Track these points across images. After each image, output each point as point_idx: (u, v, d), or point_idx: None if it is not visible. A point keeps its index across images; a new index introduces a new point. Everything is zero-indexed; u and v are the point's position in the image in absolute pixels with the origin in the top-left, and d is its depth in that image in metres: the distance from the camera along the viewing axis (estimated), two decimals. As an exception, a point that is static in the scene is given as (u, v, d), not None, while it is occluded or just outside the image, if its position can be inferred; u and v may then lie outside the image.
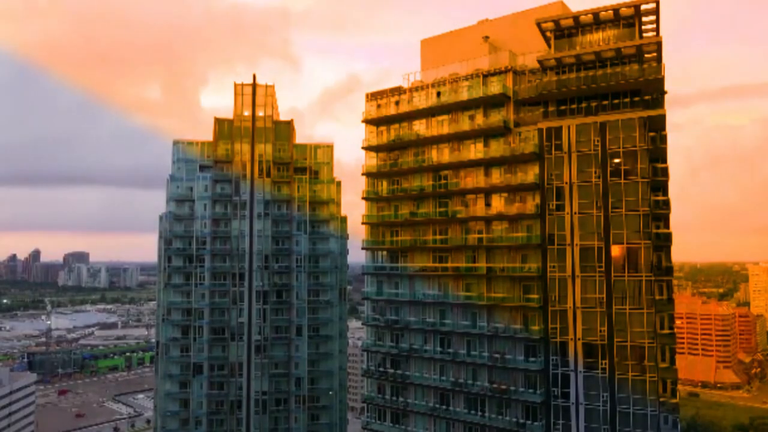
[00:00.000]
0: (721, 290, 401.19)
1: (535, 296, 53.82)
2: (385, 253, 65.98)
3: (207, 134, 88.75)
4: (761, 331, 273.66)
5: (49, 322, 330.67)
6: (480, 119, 58.59)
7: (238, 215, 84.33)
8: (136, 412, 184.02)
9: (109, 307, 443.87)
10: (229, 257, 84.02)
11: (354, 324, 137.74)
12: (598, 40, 53.34)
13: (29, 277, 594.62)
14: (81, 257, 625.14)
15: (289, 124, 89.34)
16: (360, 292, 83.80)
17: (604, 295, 50.00)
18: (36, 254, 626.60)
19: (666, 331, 48.92)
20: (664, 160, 51.05)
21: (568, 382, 51.02)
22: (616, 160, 51.35)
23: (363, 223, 67.24)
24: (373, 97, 66.27)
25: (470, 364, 57.44)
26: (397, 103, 64.37)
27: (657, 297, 48.85)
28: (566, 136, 53.05)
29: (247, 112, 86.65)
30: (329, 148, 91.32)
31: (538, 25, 54.14)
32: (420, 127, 63.24)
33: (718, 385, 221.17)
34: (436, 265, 61.13)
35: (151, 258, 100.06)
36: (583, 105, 52.87)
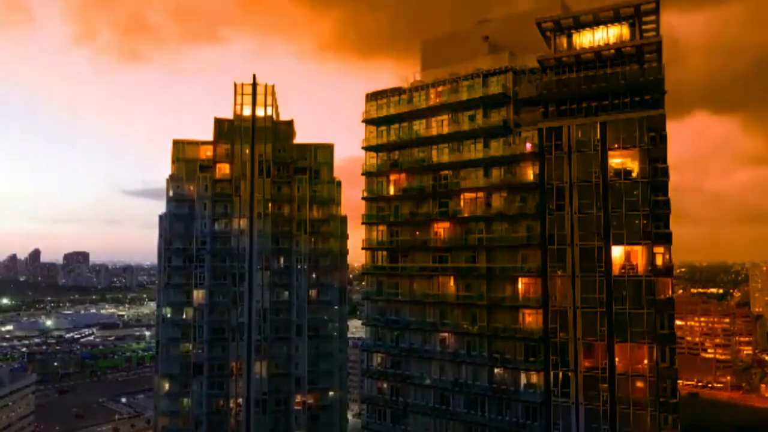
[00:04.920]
0: (721, 290, 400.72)
1: (535, 296, 53.82)
2: (385, 253, 65.95)
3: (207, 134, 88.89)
4: (761, 331, 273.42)
5: (49, 322, 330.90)
6: (480, 119, 58.62)
7: (238, 215, 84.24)
8: (136, 412, 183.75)
9: (108, 307, 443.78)
10: (229, 257, 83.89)
11: (354, 324, 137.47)
12: (598, 40, 53.35)
13: (29, 277, 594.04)
14: (81, 257, 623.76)
15: (289, 124, 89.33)
16: (360, 292, 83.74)
17: (604, 295, 49.98)
18: (36, 254, 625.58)
19: (666, 331, 48.85)
20: (664, 160, 50.93)
21: (568, 382, 51.01)
22: (616, 160, 51.38)
23: (363, 223, 67.28)
24: (373, 96, 66.26)
25: (470, 364, 57.46)
26: (397, 103, 64.38)
27: (657, 297, 48.83)
28: (566, 136, 53.04)
29: (247, 112, 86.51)
30: (329, 148, 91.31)
31: (538, 24, 54.12)
32: (420, 127, 63.25)
33: (718, 385, 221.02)
34: (436, 265, 61.12)
35: (152, 258, 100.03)
36: (583, 105, 52.84)
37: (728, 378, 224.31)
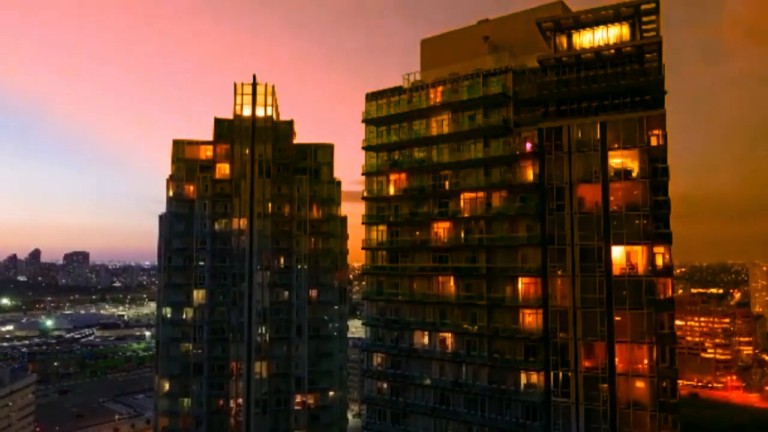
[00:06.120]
0: (721, 290, 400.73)
1: (535, 296, 53.79)
2: (385, 253, 65.93)
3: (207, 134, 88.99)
4: (761, 331, 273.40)
5: (49, 322, 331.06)
6: (480, 119, 58.57)
7: (238, 215, 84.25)
8: (136, 412, 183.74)
9: (108, 307, 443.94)
10: (229, 257, 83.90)
11: (354, 324, 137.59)
12: (598, 40, 53.33)
13: (29, 277, 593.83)
14: (81, 257, 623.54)
15: (289, 124, 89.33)
16: (360, 292, 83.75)
17: (604, 295, 49.96)
18: (36, 254, 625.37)
19: (666, 331, 48.86)
20: (664, 160, 50.94)
21: (568, 382, 51.00)
22: (616, 160, 51.37)
23: (363, 223, 67.28)
24: (372, 96, 66.23)
25: (470, 364, 57.43)
26: (397, 103, 64.34)
27: (657, 297, 48.82)
28: (566, 136, 53.01)
29: (247, 112, 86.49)
30: (329, 148, 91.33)
31: (538, 24, 54.11)
32: (420, 127, 63.19)
33: (718, 385, 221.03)
34: (436, 265, 61.09)
35: (152, 258, 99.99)
36: (584, 105, 52.83)
37: (728, 378, 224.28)
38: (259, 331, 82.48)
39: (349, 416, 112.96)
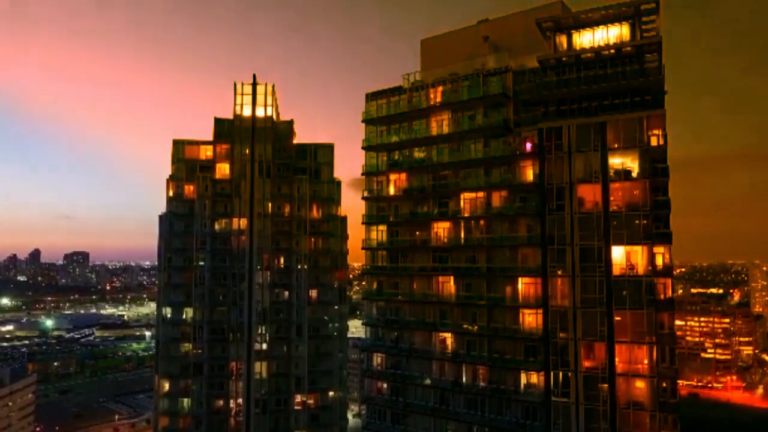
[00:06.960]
0: (721, 290, 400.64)
1: (535, 296, 53.77)
2: (385, 253, 65.91)
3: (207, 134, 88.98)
4: (761, 331, 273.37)
5: (49, 322, 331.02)
6: (480, 119, 58.53)
7: (238, 215, 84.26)
8: (136, 412, 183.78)
9: (108, 307, 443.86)
10: (229, 257, 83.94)
11: (354, 324, 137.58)
12: (598, 40, 53.29)
13: (29, 277, 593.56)
14: (81, 257, 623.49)
15: (289, 124, 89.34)
16: (360, 292, 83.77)
17: (604, 295, 49.93)
18: (36, 254, 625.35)
19: (666, 331, 48.85)
20: (664, 160, 50.93)
21: (568, 382, 50.98)
22: (616, 160, 51.34)
23: (363, 223, 67.26)
24: (372, 96, 66.19)
25: (470, 364, 57.41)
26: (397, 102, 64.29)
27: (657, 297, 48.80)
28: (566, 136, 52.97)
29: (247, 112, 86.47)
30: (329, 148, 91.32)
31: (538, 24, 54.06)
32: (420, 127, 63.15)
33: (718, 385, 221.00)
34: (436, 265, 61.06)
35: (152, 258, 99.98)
36: (584, 105, 52.77)
37: (728, 378, 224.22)
38: (259, 331, 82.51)
39: (349, 416, 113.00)
